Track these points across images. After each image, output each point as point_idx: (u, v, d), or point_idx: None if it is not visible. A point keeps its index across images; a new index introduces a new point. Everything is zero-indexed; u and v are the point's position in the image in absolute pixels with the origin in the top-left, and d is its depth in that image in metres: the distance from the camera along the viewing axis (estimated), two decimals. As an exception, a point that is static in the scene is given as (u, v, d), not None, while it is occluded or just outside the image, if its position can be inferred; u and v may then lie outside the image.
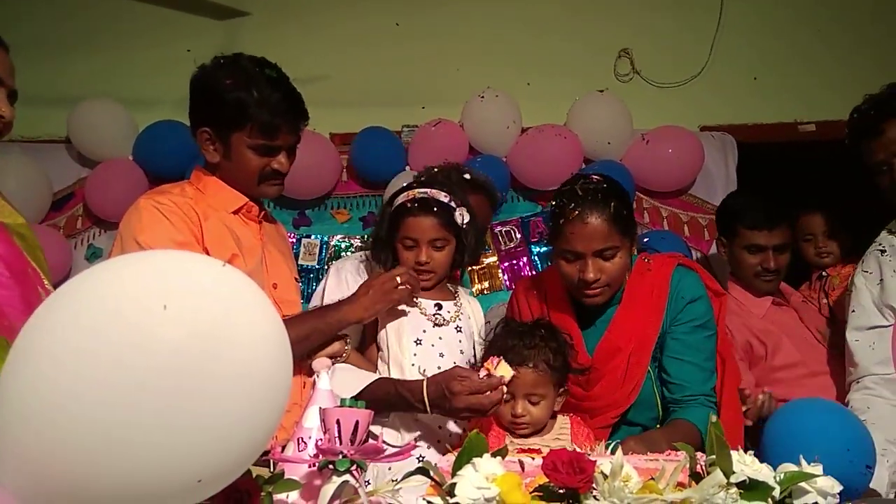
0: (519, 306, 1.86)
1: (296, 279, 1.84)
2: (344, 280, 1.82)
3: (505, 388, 1.48)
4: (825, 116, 3.20)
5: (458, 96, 3.07)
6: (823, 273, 2.42)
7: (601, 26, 3.27)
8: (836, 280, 2.34)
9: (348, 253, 2.98)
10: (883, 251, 1.90)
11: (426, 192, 1.73)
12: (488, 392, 1.46)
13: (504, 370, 1.48)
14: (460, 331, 1.74)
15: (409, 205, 1.72)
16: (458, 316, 1.75)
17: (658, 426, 1.70)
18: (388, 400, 1.60)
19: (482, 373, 1.48)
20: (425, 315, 1.73)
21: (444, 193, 1.73)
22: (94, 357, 0.72)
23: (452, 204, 1.73)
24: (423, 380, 1.56)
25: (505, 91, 3.03)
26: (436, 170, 2.04)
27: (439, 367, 1.63)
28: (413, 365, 1.66)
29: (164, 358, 0.73)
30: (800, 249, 2.45)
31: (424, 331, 1.71)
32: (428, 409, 1.54)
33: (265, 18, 3.18)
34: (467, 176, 2.02)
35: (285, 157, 1.68)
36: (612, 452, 1.19)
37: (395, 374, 1.67)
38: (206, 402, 0.75)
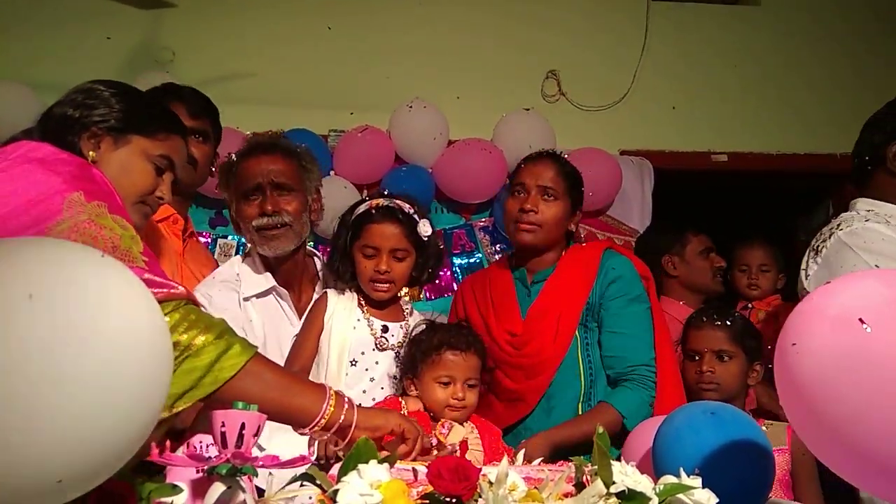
0: (464, 296, 1.97)
1: None
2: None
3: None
4: (736, 148, 3.38)
5: (387, 104, 3.07)
6: (749, 305, 2.52)
7: (531, 47, 3.35)
8: (762, 313, 2.45)
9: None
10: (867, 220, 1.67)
11: (390, 202, 1.71)
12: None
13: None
14: (398, 356, 1.71)
15: (372, 212, 1.69)
16: (402, 342, 1.71)
17: (579, 402, 1.77)
18: None
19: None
20: (373, 335, 1.70)
21: (407, 205, 1.72)
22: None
23: (416, 216, 1.71)
24: None
25: (433, 103, 3.05)
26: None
27: (364, 392, 1.65)
28: (344, 385, 1.63)
29: (28, 348, 0.70)
30: (732, 278, 2.55)
31: (363, 353, 1.68)
32: None
33: (191, 10, 3.09)
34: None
35: None
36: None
37: None
38: (71, 397, 0.71)
